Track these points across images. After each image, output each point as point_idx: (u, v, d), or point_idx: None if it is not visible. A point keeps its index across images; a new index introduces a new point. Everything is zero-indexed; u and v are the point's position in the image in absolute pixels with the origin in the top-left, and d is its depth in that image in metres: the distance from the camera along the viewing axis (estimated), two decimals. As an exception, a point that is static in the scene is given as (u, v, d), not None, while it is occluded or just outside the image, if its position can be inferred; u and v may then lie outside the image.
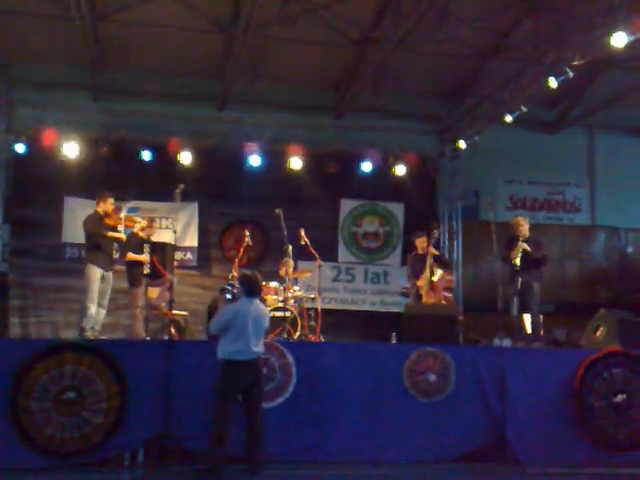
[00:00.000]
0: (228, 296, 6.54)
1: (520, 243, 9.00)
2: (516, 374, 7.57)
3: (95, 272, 8.60)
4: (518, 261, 8.94)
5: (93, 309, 8.53)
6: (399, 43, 9.76)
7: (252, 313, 6.33)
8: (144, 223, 9.36)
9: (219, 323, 6.34)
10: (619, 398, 7.62)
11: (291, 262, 9.70)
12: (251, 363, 6.25)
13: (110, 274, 8.84)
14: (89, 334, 8.32)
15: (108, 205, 8.95)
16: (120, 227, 8.98)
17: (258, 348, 6.34)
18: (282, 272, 9.75)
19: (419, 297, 9.45)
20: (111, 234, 8.88)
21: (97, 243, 8.73)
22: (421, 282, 9.42)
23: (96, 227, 8.75)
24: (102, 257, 8.73)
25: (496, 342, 8.47)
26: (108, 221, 8.86)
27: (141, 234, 9.37)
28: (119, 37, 10.67)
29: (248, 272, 6.61)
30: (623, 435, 7.57)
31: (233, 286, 6.55)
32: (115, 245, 9.27)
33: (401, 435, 7.29)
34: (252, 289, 6.47)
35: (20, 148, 10.94)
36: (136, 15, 9.94)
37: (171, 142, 11.25)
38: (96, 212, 8.95)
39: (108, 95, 11.68)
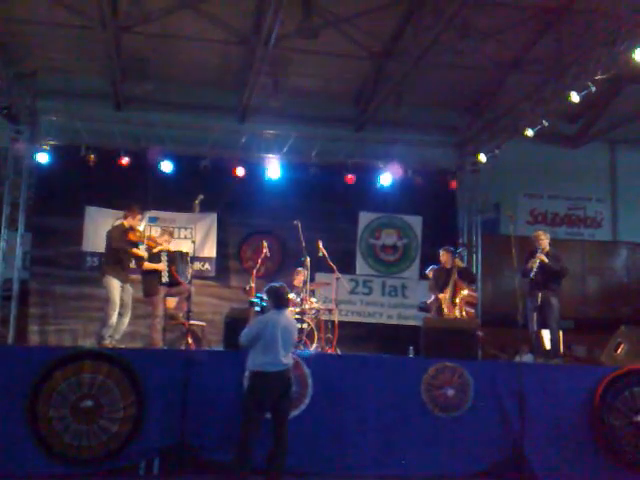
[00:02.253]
0: (257, 308, 6.53)
1: (538, 254, 8.89)
2: (535, 390, 7.48)
3: (114, 282, 8.64)
4: (534, 272, 8.82)
5: (114, 318, 8.55)
6: (420, 56, 9.75)
7: (281, 324, 6.34)
8: (165, 246, 9.31)
9: (250, 335, 6.34)
10: (640, 417, 7.51)
11: (304, 272, 9.72)
12: (280, 374, 6.24)
13: (127, 285, 8.85)
14: (107, 342, 8.35)
15: (136, 221, 8.96)
16: (142, 244, 8.95)
17: (287, 359, 6.34)
18: (296, 282, 9.81)
19: (440, 311, 9.42)
20: (135, 251, 8.88)
21: (117, 257, 8.74)
22: (443, 296, 9.39)
23: (120, 242, 8.75)
24: (119, 271, 8.73)
25: (517, 358, 8.40)
26: (131, 236, 8.83)
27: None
28: (141, 48, 10.78)
29: (276, 284, 6.62)
30: (643, 455, 7.45)
31: (262, 298, 6.55)
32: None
33: (418, 450, 7.23)
34: (280, 301, 6.48)
35: (42, 157, 11.06)
36: (158, 26, 10.04)
37: (191, 153, 11.34)
38: (122, 225, 8.95)
39: (130, 105, 11.80)
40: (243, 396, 6.40)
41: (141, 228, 9.45)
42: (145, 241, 9.03)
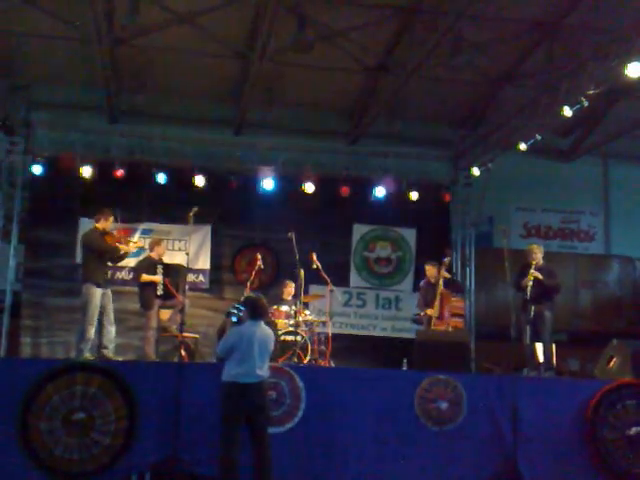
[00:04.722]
0: (234, 319, 6.52)
1: (532, 271, 8.92)
2: (528, 404, 7.48)
3: (94, 291, 8.45)
4: (529, 290, 8.86)
5: (92, 332, 8.46)
6: (414, 70, 9.81)
7: (257, 336, 6.31)
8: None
9: (225, 346, 6.32)
10: (633, 431, 7.50)
11: (292, 284, 9.73)
12: (255, 387, 6.19)
13: (108, 291, 8.75)
14: (88, 355, 8.29)
15: (108, 223, 8.86)
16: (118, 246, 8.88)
17: (263, 371, 6.29)
18: (285, 295, 9.95)
19: (430, 326, 9.42)
20: (122, 247, 8.76)
21: (97, 262, 8.61)
22: (431, 311, 9.41)
23: (102, 242, 8.67)
24: (99, 274, 8.60)
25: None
26: (108, 239, 8.74)
27: (153, 255, 9.40)
28: (136, 61, 10.81)
29: (252, 295, 6.65)
30: (638, 469, 7.43)
31: (239, 309, 6.56)
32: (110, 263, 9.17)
33: (411, 464, 7.21)
34: (256, 311, 6.45)
35: (37, 169, 11.02)
36: (153, 39, 10.06)
37: (186, 165, 11.35)
38: (95, 228, 8.85)
39: (125, 118, 11.80)
40: (220, 409, 6.35)
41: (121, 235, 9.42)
42: (122, 244, 8.93)
